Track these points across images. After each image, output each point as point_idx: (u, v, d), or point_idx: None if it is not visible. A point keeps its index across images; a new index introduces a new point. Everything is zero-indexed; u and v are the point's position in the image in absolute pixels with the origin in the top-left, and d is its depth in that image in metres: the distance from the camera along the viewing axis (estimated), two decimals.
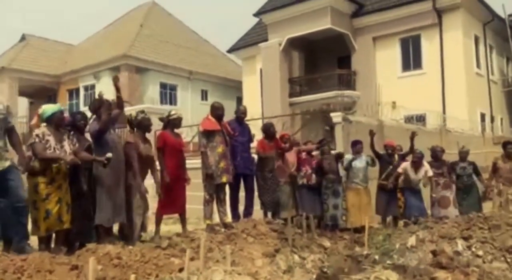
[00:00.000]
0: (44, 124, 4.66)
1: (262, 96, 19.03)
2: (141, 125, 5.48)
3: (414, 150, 7.81)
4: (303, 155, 7.30)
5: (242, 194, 6.79)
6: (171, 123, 5.82)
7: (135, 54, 21.69)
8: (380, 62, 17.86)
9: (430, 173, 7.59)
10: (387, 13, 17.38)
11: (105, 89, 22.68)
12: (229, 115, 8.74)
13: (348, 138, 7.78)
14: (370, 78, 17.68)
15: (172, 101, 22.95)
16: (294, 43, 18.71)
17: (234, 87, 23.76)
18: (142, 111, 5.70)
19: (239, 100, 22.23)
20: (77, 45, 27.37)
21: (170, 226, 7.60)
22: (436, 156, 7.93)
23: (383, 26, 17.52)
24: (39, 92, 24.43)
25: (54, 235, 4.71)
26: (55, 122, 4.67)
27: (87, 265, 4.00)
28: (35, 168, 4.47)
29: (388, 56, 17.65)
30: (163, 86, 22.77)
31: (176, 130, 6.08)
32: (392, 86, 16.87)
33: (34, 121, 4.83)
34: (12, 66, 23.07)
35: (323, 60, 19.27)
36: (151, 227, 6.18)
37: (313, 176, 7.24)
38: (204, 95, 24.02)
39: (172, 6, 29.76)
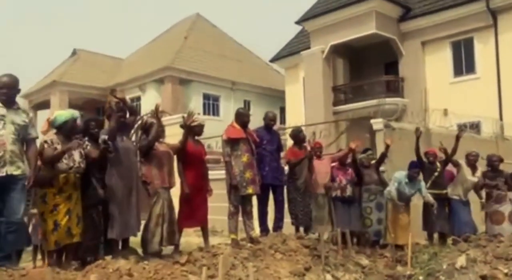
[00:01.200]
0: (54, 131, 4.47)
1: (305, 105, 18.55)
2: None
3: (470, 152, 7.12)
4: (337, 164, 6.74)
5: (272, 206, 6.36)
6: (192, 130, 5.50)
7: (179, 66, 21.90)
8: (430, 67, 16.91)
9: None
10: (436, 16, 16.45)
11: (150, 101, 23.02)
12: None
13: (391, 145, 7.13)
14: (419, 84, 16.74)
15: (215, 112, 22.95)
16: (338, 50, 18.12)
17: (278, 97, 23.43)
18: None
19: (283, 110, 21.88)
20: (125, 58, 28.12)
21: (202, 238, 7.25)
22: (493, 165, 7.16)
23: (432, 29, 16.59)
24: (88, 105, 25.18)
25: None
26: (67, 130, 4.48)
27: None
28: (43, 177, 4.26)
29: (439, 60, 16.67)
30: (206, 97, 22.83)
31: (200, 138, 5.77)
32: (443, 92, 15.91)
33: (44, 128, 4.66)
34: (63, 79, 23.98)
35: (369, 67, 18.54)
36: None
37: (348, 187, 6.66)
38: (247, 105, 23.82)
39: (216, 17, 30.18)
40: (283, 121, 21.52)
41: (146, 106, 21.93)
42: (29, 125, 4.26)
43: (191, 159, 5.37)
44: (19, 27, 62.58)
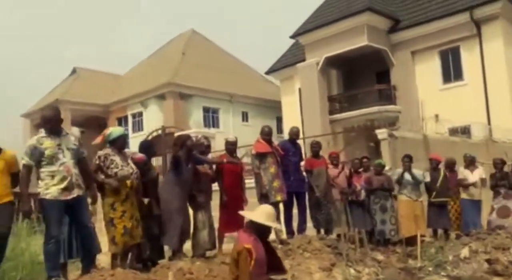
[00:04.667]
0: (108, 145, 5.09)
1: (302, 115, 19.31)
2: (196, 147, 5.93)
3: (465, 154, 7.96)
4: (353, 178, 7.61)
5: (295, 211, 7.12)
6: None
7: (179, 81, 22.63)
8: (420, 75, 17.82)
9: (483, 175, 7.81)
10: (424, 27, 17.40)
11: (152, 116, 23.52)
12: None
13: (394, 153, 7.96)
14: (410, 92, 17.65)
15: (215, 124, 23.69)
16: (332, 61, 18.94)
17: (274, 107, 24.24)
18: (205, 137, 6.21)
19: (279, 119, 22.66)
20: (124, 75, 28.77)
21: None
22: (498, 168, 8.09)
23: (421, 39, 17.53)
24: (90, 121, 25.74)
25: (130, 252, 5.14)
26: (119, 144, 5.08)
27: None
28: (109, 186, 4.89)
29: (428, 69, 17.60)
30: (206, 110, 23.58)
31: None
32: (433, 99, 16.77)
33: (98, 140, 5.22)
34: (65, 98, 24.55)
35: (362, 76, 19.39)
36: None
37: (362, 192, 7.49)
38: (244, 116, 24.64)
39: (210, 32, 31.01)
40: (280, 130, 22.32)
41: (149, 121, 22.63)
42: (79, 147, 4.86)
43: (227, 174, 6.17)
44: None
